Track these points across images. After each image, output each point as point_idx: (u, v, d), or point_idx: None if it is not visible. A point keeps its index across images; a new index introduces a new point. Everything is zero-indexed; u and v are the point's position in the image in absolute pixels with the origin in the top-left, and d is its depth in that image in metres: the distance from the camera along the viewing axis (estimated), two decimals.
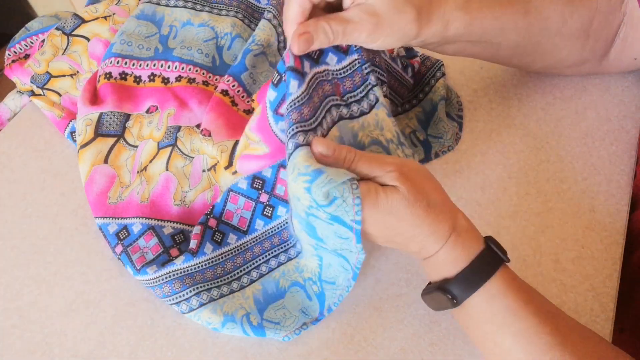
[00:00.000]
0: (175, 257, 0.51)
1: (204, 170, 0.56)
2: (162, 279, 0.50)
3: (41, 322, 0.51)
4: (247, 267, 0.51)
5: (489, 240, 0.41)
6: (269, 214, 0.52)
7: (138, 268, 0.50)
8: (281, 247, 0.52)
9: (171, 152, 0.57)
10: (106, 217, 0.55)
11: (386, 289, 0.51)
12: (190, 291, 0.49)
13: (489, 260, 0.40)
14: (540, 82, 0.64)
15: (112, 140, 0.58)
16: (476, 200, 0.55)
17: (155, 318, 0.50)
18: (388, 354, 0.47)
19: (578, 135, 0.59)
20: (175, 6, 0.62)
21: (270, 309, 0.49)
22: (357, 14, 0.42)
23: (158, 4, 0.62)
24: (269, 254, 0.52)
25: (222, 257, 0.51)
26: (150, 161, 0.57)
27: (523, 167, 0.57)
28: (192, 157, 0.57)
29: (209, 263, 0.50)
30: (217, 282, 0.50)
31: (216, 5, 0.63)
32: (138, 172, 0.57)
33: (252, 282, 0.51)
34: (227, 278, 0.51)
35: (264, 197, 0.52)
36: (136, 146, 0.58)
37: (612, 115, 0.61)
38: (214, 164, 0.56)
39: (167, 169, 0.56)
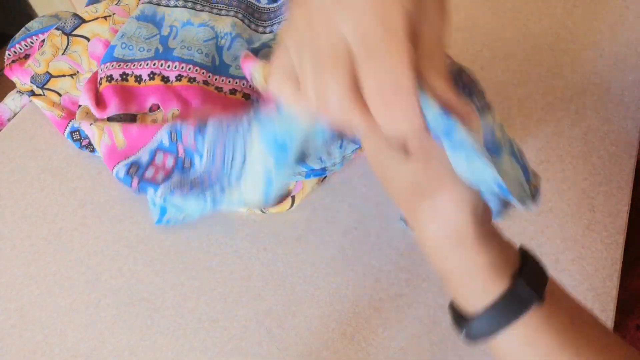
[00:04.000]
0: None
1: None
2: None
3: (41, 322, 0.51)
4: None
5: (519, 274, 0.33)
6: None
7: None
8: None
9: None
10: (118, 163, 0.55)
11: (386, 289, 0.51)
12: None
13: (516, 301, 0.32)
14: (540, 82, 0.64)
15: None
16: None
17: (155, 318, 0.50)
18: (388, 354, 0.47)
19: (578, 135, 0.59)
20: (175, 6, 0.62)
21: None
22: None
23: (158, 4, 0.62)
24: None
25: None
26: None
27: None
28: None
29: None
30: None
31: (216, 5, 0.63)
32: None
33: None
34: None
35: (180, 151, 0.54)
36: None
37: (612, 115, 0.60)
38: None
39: None
